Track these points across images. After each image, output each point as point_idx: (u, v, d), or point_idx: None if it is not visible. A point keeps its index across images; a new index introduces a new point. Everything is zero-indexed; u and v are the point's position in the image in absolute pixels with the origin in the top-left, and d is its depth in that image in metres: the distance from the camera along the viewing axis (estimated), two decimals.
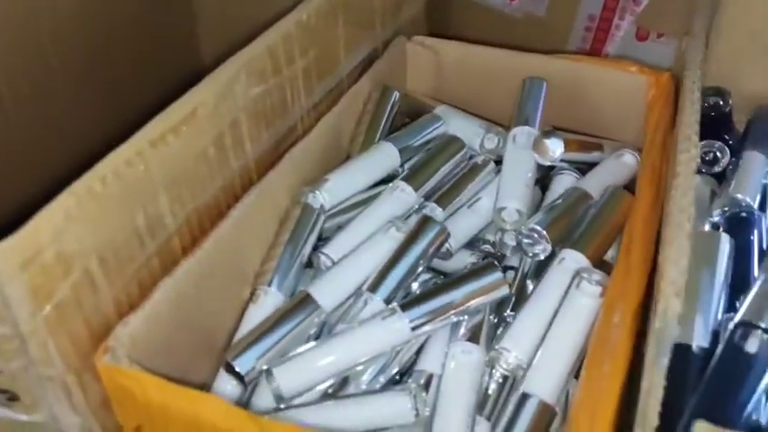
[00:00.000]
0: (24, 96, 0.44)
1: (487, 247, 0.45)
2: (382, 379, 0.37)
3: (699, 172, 0.43)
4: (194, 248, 0.35)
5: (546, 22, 0.70)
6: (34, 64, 0.46)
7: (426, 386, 0.36)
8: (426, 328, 0.36)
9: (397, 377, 0.38)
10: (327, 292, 0.39)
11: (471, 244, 0.45)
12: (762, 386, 0.29)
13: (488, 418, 0.35)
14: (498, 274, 0.37)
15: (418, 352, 0.39)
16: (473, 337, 0.37)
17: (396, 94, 0.51)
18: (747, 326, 0.30)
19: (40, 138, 0.46)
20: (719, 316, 0.32)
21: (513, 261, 0.43)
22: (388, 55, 0.54)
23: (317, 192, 0.43)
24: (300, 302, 0.38)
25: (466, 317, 0.38)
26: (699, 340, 0.31)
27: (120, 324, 0.31)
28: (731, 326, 0.30)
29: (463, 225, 0.44)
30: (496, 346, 0.36)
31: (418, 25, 0.62)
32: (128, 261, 0.32)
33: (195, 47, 0.65)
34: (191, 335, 0.36)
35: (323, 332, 0.39)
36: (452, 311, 0.36)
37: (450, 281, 0.37)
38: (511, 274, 0.42)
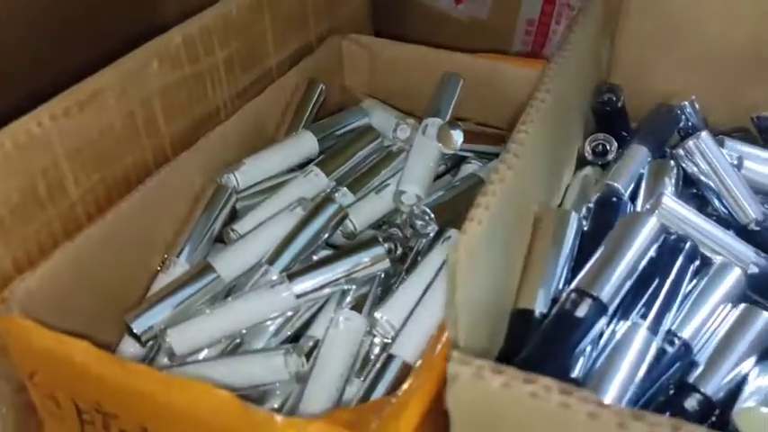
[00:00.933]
0: None
1: (394, 230, 0.48)
2: (274, 342, 0.40)
3: (589, 162, 0.46)
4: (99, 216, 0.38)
5: (489, 25, 0.73)
6: None
7: (313, 349, 0.39)
8: (311, 296, 0.39)
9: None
10: (227, 262, 0.42)
11: (380, 226, 0.48)
12: (585, 345, 0.32)
13: (364, 380, 0.38)
14: (379, 248, 0.40)
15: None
16: (358, 306, 0.40)
17: (321, 87, 0.54)
18: (580, 293, 0.32)
19: None
20: (561, 286, 0.34)
21: (413, 242, 0.46)
22: (321, 51, 0.58)
23: (232, 173, 0.46)
24: (200, 271, 0.41)
25: (353, 287, 0.41)
26: (540, 307, 0.34)
27: (17, 279, 0.34)
28: (565, 293, 0.33)
29: (369, 208, 0.47)
30: (375, 314, 0.39)
31: (360, 24, 0.65)
32: (25, 222, 0.35)
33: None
34: (93, 298, 0.39)
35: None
36: (335, 282, 0.39)
37: (336, 254, 0.40)
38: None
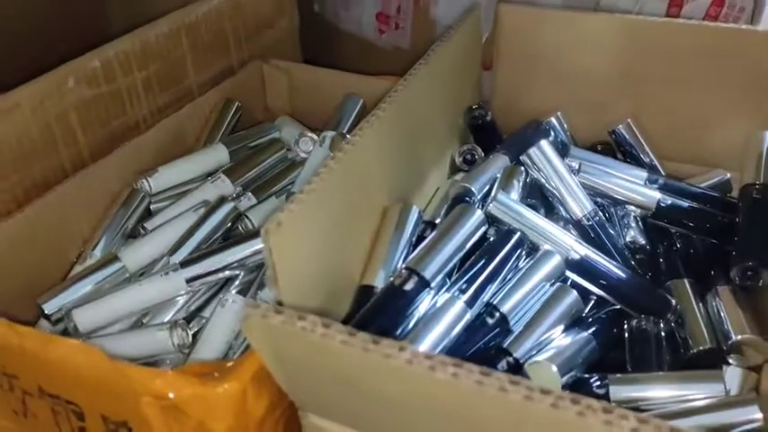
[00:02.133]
0: None
1: None
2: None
3: (460, 170, 0.53)
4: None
5: (410, 53, 0.80)
6: None
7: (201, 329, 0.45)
8: (201, 281, 0.45)
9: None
10: (133, 254, 0.48)
11: None
12: (409, 313, 0.38)
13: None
14: (259, 240, 0.46)
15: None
16: (244, 291, 0.46)
17: (237, 105, 0.61)
18: (408, 270, 0.39)
19: None
20: (399, 267, 0.41)
21: None
22: (242, 74, 0.64)
23: (145, 178, 0.52)
24: (107, 261, 0.47)
25: (241, 273, 0.47)
26: (380, 283, 0.40)
27: None
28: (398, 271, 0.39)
29: (268, 210, 0.53)
30: (259, 296, 0.45)
31: (287, 52, 0.72)
32: None
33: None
34: (12, 283, 0.45)
35: None
36: (221, 269, 0.45)
37: (223, 244, 0.46)
38: None
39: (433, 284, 0.38)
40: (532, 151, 0.47)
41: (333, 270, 0.37)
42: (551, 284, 0.42)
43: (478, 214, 0.41)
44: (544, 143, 0.47)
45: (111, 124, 0.52)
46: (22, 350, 0.37)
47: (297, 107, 0.68)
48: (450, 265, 0.39)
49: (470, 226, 0.41)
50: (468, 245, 0.40)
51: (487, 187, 0.48)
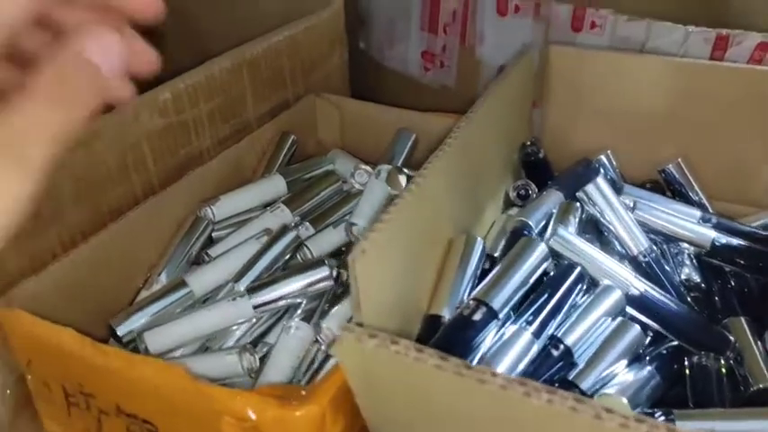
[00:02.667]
0: None
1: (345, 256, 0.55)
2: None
3: (513, 204, 0.54)
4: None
5: (455, 91, 0.82)
6: None
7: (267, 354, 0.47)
8: (267, 307, 0.47)
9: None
10: (199, 279, 0.49)
11: (336, 255, 0.55)
12: (477, 343, 0.39)
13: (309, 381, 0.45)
14: (325, 269, 0.47)
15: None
16: (308, 318, 0.48)
17: (292, 138, 0.63)
18: (476, 301, 0.40)
19: None
20: (465, 298, 0.42)
21: None
22: (296, 108, 0.66)
23: (209, 207, 0.54)
24: (175, 286, 0.49)
25: (304, 300, 0.48)
26: (447, 313, 0.41)
27: (20, 283, 0.42)
28: (466, 302, 0.40)
29: (326, 239, 0.55)
30: (321, 324, 0.46)
31: (336, 88, 0.74)
32: (29, 237, 0.43)
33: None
34: (85, 305, 0.46)
35: None
36: (287, 296, 0.47)
37: (288, 272, 0.48)
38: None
39: (500, 316, 0.40)
40: (589, 188, 0.49)
41: (405, 298, 0.39)
42: (612, 319, 0.43)
43: (542, 248, 0.42)
44: (600, 180, 0.49)
45: (178, 153, 0.54)
46: (104, 369, 0.38)
47: (347, 140, 0.70)
48: (517, 297, 0.41)
49: (535, 259, 0.42)
50: (534, 278, 0.42)
51: (543, 222, 0.50)
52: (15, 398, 0.45)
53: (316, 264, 0.48)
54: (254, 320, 0.48)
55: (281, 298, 0.47)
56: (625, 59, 0.58)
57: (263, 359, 0.45)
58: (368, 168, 0.59)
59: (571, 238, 0.45)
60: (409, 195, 0.37)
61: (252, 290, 0.47)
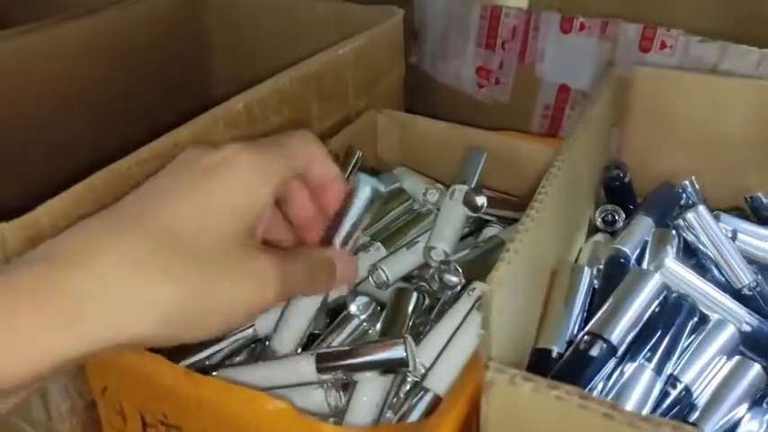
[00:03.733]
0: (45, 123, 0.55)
1: (423, 284, 0.53)
2: None
3: (599, 230, 0.52)
4: None
5: (510, 108, 0.80)
6: (55, 97, 0.57)
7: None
8: (331, 374, 0.42)
9: None
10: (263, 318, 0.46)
11: (408, 279, 0.53)
12: (597, 382, 0.36)
13: (397, 412, 0.42)
14: (400, 350, 0.40)
15: None
16: None
17: (359, 154, 0.60)
18: (593, 335, 0.37)
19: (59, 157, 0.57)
20: (575, 331, 0.39)
21: (439, 294, 0.51)
22: (358, 123, 0.64)
23: None
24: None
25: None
26: (557, 347, 0.38)
27: None
28: (580, 335, 0.38)
29: (400, 261, 0.52)
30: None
31: (394, 102, 0.72)
32: None
33: (207, 82, 0.78)
34: None
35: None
36: (354, 370, 0.41)
37: (361, 345, 0.43)
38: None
39: (619, 351, 0.37)
40: (690, 216, 0.46)
41: (520, 330, 0.36)
42: (728, 357, 0.40)
43: (657, 279, 0.40)
44: (702, 208, 0.46)
45: None
46: (198, 400, 0.35)
47: (408, 157, 0.67)
48: (634, 332, 0.38)
49: (650, 291, 0.39)
50: (650, 310, 0.39)
51: (638, 250, 0.47)
52: (82, 425, 0.42)
53: (393, 343, 0.41)
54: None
55: (347, 370, 0.43)
56: (715, 82, 0.55)
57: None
58: (441, 187, 0.57)
59: (679, 270, 0.42)
60: (531, 223, 0.35)
61: (320, 356, 0.42)
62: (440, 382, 0.41)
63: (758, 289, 0.45)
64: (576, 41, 0.72)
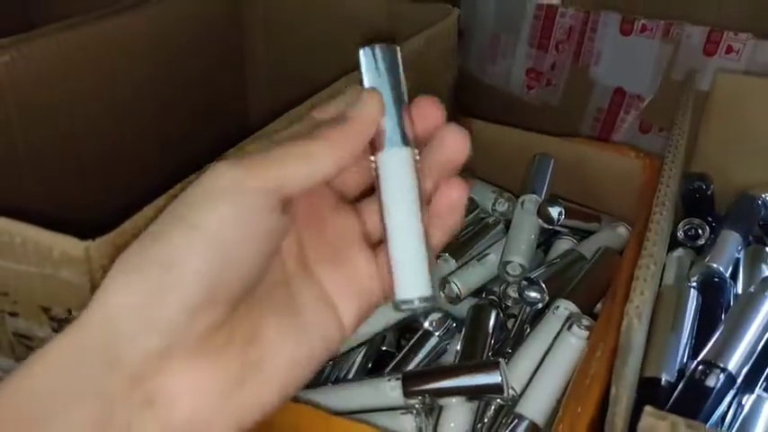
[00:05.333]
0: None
1: (495, 298, 0.50)
2: None
3: (682, 245, 0.50)
4: None
5: (559, 110, 0.77)
6: (105, 123, 0.55)
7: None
8: (418, 398, 0.40)
9: None
10: None
11: (479, 292, 0.51)
12: (716, 415, 0.34)
13: None
14: (496, 376, 0.38)
15: None
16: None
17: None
18: (708, 364, 0.35)
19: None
20: (685, 358, 0.37)
21: (513, 309, 0.49)
22: None
23: None
24: None
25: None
26: (667, 375, 0.36)
27: None
28: (694, 364, 0.35)
29: (472, 275, 0.50)
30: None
31: (446, 104, 0.69)
32: None
33: (244, 109, 0.75)
34: None
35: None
36: (444, 395, 0.40)
37: (453, 367, 0.42)
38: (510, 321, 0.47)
39: (739, 380, 0.35)
40: None
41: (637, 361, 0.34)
42: None
43: None
44: None
45: None
46: (295, 429, 0.33)
47: (470, 164, 0.65)
48: (752, 360, 0.36)
49: (766, 315, 0.37)
50: (766, 336, 0.37)
51: (730, 268, 0.45)
52: None
53: (489, 365, 0.39)
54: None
55: (439, 392, 0.40)
56: None
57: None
58: (510, 196, 0.55)
59: None
60: (653, 248, 0.33)
61: (407, 378, 0.40)
62: (536, 408, 0.38)
63: None
64: (635, 44, 0.70)
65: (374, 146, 0.28)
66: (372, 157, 0.28)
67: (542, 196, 0.53)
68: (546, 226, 0.51)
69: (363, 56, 0.29)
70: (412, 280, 0.26)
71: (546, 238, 0.55)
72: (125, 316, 0.22)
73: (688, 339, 0.38)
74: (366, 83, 0.29)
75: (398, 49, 0.30)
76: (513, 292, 0.49)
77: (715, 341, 0.36)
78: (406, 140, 0.28)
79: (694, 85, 0.53)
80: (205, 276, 0.22)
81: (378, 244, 0.28)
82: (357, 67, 0.29)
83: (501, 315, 0.47)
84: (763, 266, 0.44)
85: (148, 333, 0.22)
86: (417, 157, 0.28)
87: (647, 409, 0.25)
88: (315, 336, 0.26)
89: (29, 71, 0.52)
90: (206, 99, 0.71)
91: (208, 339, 0.23)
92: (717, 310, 0.41)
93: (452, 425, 0.40)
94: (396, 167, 0.27)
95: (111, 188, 0.58)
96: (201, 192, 0.24)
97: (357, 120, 0.26)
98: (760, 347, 0.36)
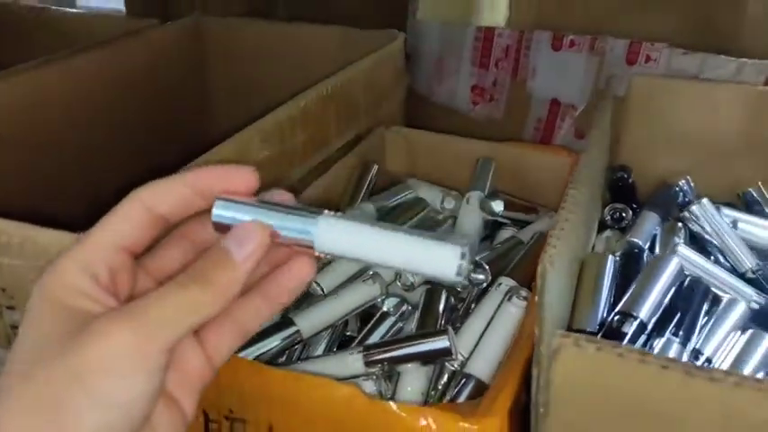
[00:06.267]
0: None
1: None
2: None
3: (608, 227, 0.56)
4: None
5: (503, 122, 0.84)
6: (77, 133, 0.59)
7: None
8: (378, 367, 0.45)
9: None
10: (308, 319, 0.48)
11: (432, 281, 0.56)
12: None
13: (442, 396, 0.45)
14: (444, 341, 0.43)
15: None
16: None
17: (374, 167, 0.64)
18: (623, 314, 0.41)
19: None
20: (606, 313, 0.43)
21: (463, 294, 0.54)
22: (369, 139, 0.68)
23: None
24: (282, 324, 0.48)
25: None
26: (590, 327, 0.42)
27: None
28: (612, 314, 0.41)
29: None
30: None
31: (396, 121, 0.76)
32: None
33: (208, 109, 0.81)
34: None
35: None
36: (400, 361, 0.44)
37: (408, 337, 0.46)
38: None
39: (649, 327, 0.41)
40: (695, 208, 0.50)
41: (563, 315, 0.40)
42: (742, 331, 0.44)
43: (676, 262, 0.44)
44: (705, 200, 0.51)
45: (281, 182, 0.55)
46: (265, 392, 0.38)
47: (416, 170, 0.71)
48: (660, 310, 0.42)
49: (671, 272, 0.43)
50: (671, 292, 0.43)
51: (649, 242, 0.51)
52: None
53: (437, 332, 0.45)
54: None
55: (396, 359, 0.45)
56: (707, 87, 0.60)
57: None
58: (456, 194, 0.60)
59: (692, 255, 0.46)
60: (568, 214, 0.38)
61: (367, 349, 0.45)
62: (482, 367, 0.44)
63: (761, 272, 0.49)
64: (566, 58, 0.77)
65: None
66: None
67: (485, 192, 0.59)
68: (489, 217, 0.57)
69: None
70: None
71: (491, 231, 0.60)
72: None
73: (608, 298, 0.44)
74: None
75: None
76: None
77: (629, 295, 0.42)
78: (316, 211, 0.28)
79: (614, 88, 0.59)
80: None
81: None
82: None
83: (452, 298, 0.52)
84: (676, 239, 0.50)
85: None
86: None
87: (558, 332, 0.30)
88: None
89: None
90: (168, 120, 0.76)
91: None
92: (635, 275, 0.46)
93: (409, 388, 0.45)
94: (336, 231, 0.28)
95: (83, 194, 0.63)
96: (92, 360, 0.24)
97: (245, 263, 0.27)
98: (667, 300, 0.42)
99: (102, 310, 0.26)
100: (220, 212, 0.28)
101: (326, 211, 0.28)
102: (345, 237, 0.28)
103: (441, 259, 0.27)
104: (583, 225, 0.45)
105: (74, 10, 1.02)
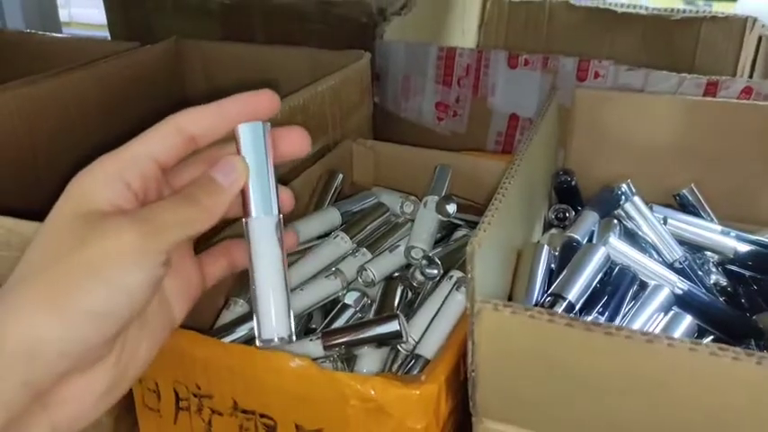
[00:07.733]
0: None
1: (405, 280, 0.60)
2: None
3: (553, 226, 0.60)
4: None
5: (466, 137, 0.89)
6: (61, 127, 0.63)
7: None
8: (335, 350, 0.49)
9: None
10: None
11: (391, 278, 0.60)
12: None
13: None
14: (395, 323, 0.47)
15: None
16: None
17: (340, 176, 0.68)
18: (554, 295, 0.45)
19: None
20: (539, 297, 0.47)
21: (419, 289, 0.58)
22: (336, 151, 0.72)
23: None
24: (249, 316, 0.52)
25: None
26: None
27: None
28: (544, 296, 0.46)
29: (384, 262, 0.59)
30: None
31: (364, 133, 0.80)
32: None
33: None
34: None
35: None
36: (355, 345, 0.49)
37: (363, 322, 0.50)
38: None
39: (577, 307, 0.45)
40: (627, 205, 0.55)
41: (498, 293, 0.44)
42: (665, 313, 0.48)
43: (604, 250, 0.48)
44: (637, 199, 0.55)
45: None
46: (227, 367, 0.42)
47: (381, 181, 0.75)
48: (587, 293, 0.46)
49: (599, 259, 0.48)
50: (599, 275, 0.47)
51: (587, 238, 0.56)
52: (119, 404, 0.48)
53: (388, 317, 0.49)
54: None
55: (352, 343, 0.49)
56: (645, 99, 0.65)
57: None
58: (415, 200, 0.65)
59: (621, 246, 0.51)
60: (499, 203, 0.43)
61: (325, 335, 0.49)
62: (430, 348, 0.48)
63: (686, 262, 0.54)
64: (521, 75, 0.82)
65: (246, 210, 0.35)
66: (244, 220, 0.35)
67: (442, 196, 0.64)
68: (443, 219, 0.61)
69: (240, 131, 0.35)
70: (273, 324, 0.35)
71: (448, 232, 0.65)
72: (46, 350, 0.28)
73: (543, 284, 0.48)
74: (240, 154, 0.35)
75: (269, 126, 0.36)
76: (418, 275, 0.58)
77: (559, 280, 0.46)
78: (271, 209, 0.35)
79: (558, 98, 0.65)
80: (114, 319, 0.30)
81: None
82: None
83: (408, 292, 0.56)
84: (611, 234, 0.55)
85: (63, 360, 0.28)
86: (281, 218, 0.36)
87: (480, 297, 0.35)
88: (159, 333, 0.34)
89: None
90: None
91: (98, 358, 0.31)
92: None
93: (365, 370, 0.49)
94: (261, 233, 0.35)
95: None
96: (104, 252, 0.29)
97: (230, 189, 0.34)
98: (594, 283, 0.47)
99: (116, 213, 0.30)
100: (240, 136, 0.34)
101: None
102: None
103: None
104: (517, 213, 0.50)
105: (59, 35, 1.06)
